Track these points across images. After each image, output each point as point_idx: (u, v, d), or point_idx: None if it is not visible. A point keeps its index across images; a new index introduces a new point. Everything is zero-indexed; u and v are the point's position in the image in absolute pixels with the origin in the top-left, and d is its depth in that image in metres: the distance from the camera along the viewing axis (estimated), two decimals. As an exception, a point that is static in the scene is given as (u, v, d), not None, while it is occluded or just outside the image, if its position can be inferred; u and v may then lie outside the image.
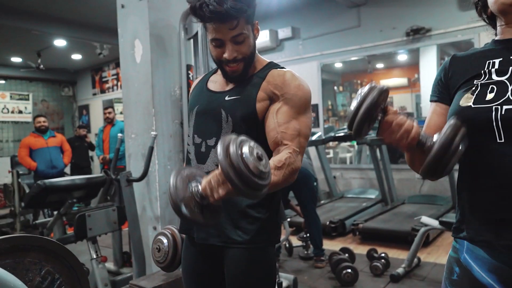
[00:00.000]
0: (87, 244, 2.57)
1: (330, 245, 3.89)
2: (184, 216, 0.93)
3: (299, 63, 6.45)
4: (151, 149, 2.33)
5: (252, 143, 0.92)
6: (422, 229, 3.00)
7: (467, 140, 0.83)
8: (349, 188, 6.01)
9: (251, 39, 1.21)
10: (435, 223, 2.88)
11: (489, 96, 0.87)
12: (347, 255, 3.32)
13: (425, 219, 2.96)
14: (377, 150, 4.99)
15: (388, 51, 5.89)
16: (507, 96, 0.84)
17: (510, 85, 0.85)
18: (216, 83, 1.31)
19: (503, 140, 0.83)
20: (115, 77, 9.06)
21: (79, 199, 3.07)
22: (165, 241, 1.40)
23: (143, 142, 2.55)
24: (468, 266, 0.92)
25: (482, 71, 0.92)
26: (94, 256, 2.54)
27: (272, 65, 1.27)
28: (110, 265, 3.19)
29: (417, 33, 5.33)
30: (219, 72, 1.32)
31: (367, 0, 5.78)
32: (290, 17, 6.41)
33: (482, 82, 0.90)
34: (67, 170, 5.96)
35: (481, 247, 0.89)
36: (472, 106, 0.88)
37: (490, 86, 0.88)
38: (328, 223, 4.18)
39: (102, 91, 9.43)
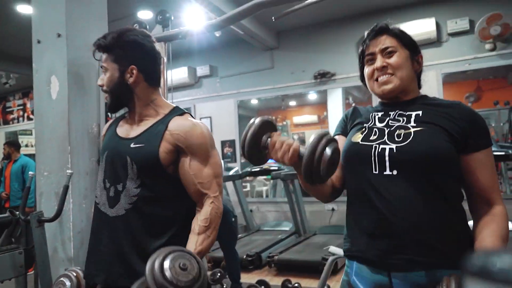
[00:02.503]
0: (-12, 291, 2.37)
1: (247, 278, 3.99)
2: None
3: (217, 100, 6.66)
4: (66, 188, 2.28)
5: (177, 253, 1.04)
6: (330, 258, 3.25)
7: (334, 144, 0.99)
8: (265, 221, 6.21)
9: (114, 76, 1.36)
10: (341, 252, 3.14)
11: (373, 137, 1.11)
12: (263, 287, 3.44)
13: (332, 248, 3.21)
14: (290, 184, 5.28)
15: (299, 91, 6.36)
16: (384, 139, 1.08)
17: (386, 130, 1.11)
18: (123, 128, 1.41)
19: (376, 172, 1.05)
20: (21, 107, 8.46)
21: (-22, 242, 2.82)
22: (68, 283, 1.35)
23: (56, 180, 2.47)
24: (356, 287, 1.11)
25: (370, 117, 1.19)
26: (-4, 305, 2.35)
27: (175, 111, 1.38)
28: (12, 313, 2.93)
29: (324, 77, 5.86)
30: (127, 117, 1.45)
31: (279, 44, 6.25)
32: (209, 56, 6.65)
33: (369, 125, 1.15)
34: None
35: (357, 259, 1.10)
36: (360, 142, 1.12)
37: (374, 129, 1.13)
38: (245, 256, 4.29)
39: (6, 122, 8.72)
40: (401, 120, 1.11)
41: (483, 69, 5.24)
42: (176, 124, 1.31)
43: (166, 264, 1.01)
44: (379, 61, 1.14)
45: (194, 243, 1.26)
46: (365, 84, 1.26)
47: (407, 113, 1.13)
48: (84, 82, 2.57)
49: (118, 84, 1.35)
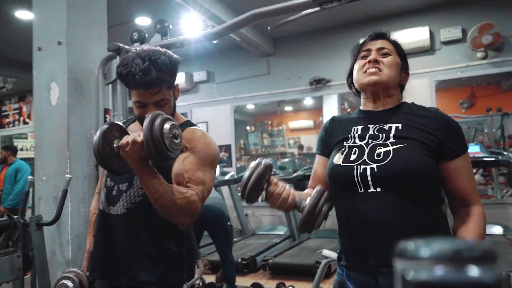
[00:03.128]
0: (-14, 294, 2.41)
1: (242, 282, 4.03)
2: (97, 148, 1.16)
3: (213, 105, 6.73)
4: (65, 192, 2.33)
5: (175, 124, 1.15)
6: (324, 261, 3.30)
7: (330, 201, 1.09)
8: (260, 225, 6.26)
9: (172, 102, 1.34)
10: (334, 255, 3.20)
11: (353, 157, 1.16)
12: (257, 290, 3.49)
13: (326, 252, 3.27)
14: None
15: (295, 97, 6.44)
16: (363, 158, 1.13)
17: (366, 149, 1.15)
18: (135, 132, 1.42)
19: (362, 190, 1.10)
20: (17, 111, 8.48)
21: (-24, 246, 2.85)
22: (70, 284, 1.36)
23: (55, 184, 2.52)
24: (346, 286, 1.18)
25: (349, 135, 1.22)
26: (-6, 307, 2.39)
27: (188, 123, 1.42)
28: (9, 316, 2.96)
29: (319, 83, 5.95)
30: (137, 122, 1.43)
31: (275, 50, 6.34)
32: (206, 62, 6.72)
33: (349, 144, 1.20)
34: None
35: (353, 271, 1.14)
36: (341, 164, 1.16)
37: (354, 148, 1.18)
38: (240, 260, 4.34)
39: (1, 126, 8.74)
40: (381, 137, 1.15)
41: (476, 76, 5.34)
42: (189, 131, 1.35)
43: (167, 125, 1.13)
44: (373, 55, 1.21)
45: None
46: (349, 83, 1.32)
47: (387, 127, 1.17)
48: (84, 89, 2.63)
49: (174, 108, 1.37)
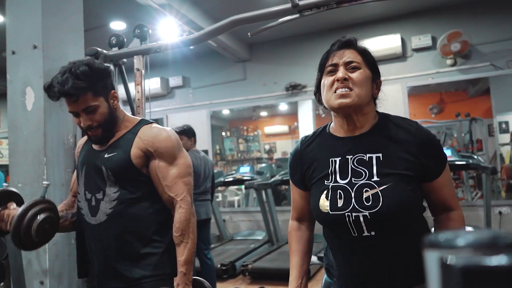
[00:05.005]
0: (-43, 307, 2.31)
1: (222, 287, 4.03)
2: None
3: (189, 111, 6.69)
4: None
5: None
6: (304, 265, 3.33)
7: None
8: (238, 231, 6.25)
9: (105, 107, 1.40)
10: (314, 258, 3.24)
11: (340, 202, 1.10)
12: (238, 295, 3.49)
13: (306, 255, 3.30)
14: (263, 193, 5.37)
15: (270, 102, 6.48)
16: (352, 204, 1.08)
17: (352, 192, 1.10)
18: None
19: (356, 234, 1.09)
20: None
21: None
22: None
23: (31, 191, 2.45)
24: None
25: (329, 171, 1.15)
26: (-34, 320, 2.29)
27: (142, 122, 1.48)
28: (-20, 330, 2.85)
29: (295, 89, 6.02)
30: None
31: (251, 56, 6.37)
32: (182, 67, 6.69)
33: (332, 184, 1.13)
34: None
35: None
36: (330, 212, 1.10)
37: (338, 191, 1.11)
38: (219, 265, 4.32)
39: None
40: (364, 174, 1.10)
41: (445, 82, 5.54)
42: (145, 131, 1.42)
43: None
44: (341, 72, 1.10)
45: (179, 256, 1.36)
46: (317, 98, 1.23)
47: (367, 157, 1.12)
48: (60, 94, 2.57)
49: (109, 114, 1.41)
